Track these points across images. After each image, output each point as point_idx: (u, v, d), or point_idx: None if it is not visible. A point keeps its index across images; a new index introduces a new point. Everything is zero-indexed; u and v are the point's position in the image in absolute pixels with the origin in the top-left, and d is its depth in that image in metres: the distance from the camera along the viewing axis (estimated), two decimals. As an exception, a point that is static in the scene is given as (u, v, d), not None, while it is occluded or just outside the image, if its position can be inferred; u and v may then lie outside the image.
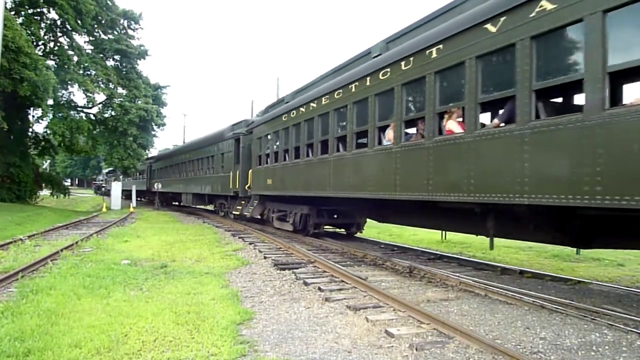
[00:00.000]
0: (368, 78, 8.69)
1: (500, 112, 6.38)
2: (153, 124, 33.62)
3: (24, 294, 6.19)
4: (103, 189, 62.13)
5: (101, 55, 31.14)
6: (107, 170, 61.41)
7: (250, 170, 16.47)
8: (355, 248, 11.07)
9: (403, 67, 7.65)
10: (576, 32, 4.82)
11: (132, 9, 32.55)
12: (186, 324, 5.10)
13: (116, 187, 32.81)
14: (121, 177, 44.14)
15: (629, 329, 4.96)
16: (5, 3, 19.44)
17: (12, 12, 23.78)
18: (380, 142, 8.43)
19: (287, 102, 13.65)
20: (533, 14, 5.24)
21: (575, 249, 11.50)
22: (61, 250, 10.03)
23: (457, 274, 7.70)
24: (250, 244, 12.24)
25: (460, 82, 6.35)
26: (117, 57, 32.25)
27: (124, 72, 32.50)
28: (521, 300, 6.12)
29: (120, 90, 32.05)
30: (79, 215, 24.72)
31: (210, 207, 26.37)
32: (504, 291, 6.50)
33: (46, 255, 9.26)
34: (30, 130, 31.47)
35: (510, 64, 5.52)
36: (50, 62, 27.73)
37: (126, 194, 39.24)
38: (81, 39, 30.48)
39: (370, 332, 4.97)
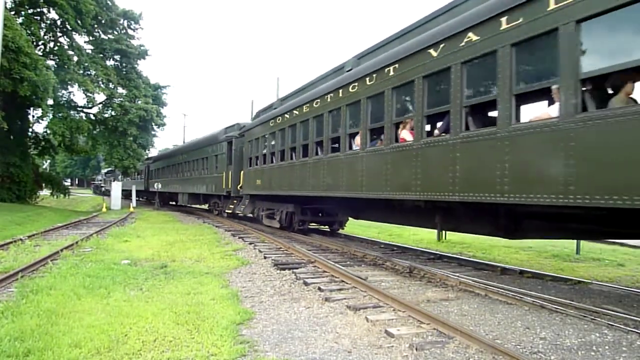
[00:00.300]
0: (340, 90, 9.84)
1: (439, 124, 7.75)
2: (153, 124, 33.56)
3: (24, 294, 6.19)
4: (102, 188, 64.83)
5: (101, 55, 31.09)
6: (105, 171, 64.37)
7: (242, 171, 17.62)
8: (356, 248, 11.08)
9: (368, 82, 8.79)
10: (492, 60, 5.81)
11: (132, 9, 32.50)
12: (186, 324, 5.10)
13: (116, 187, 32.81)
14: (119, 177, 45.01)
15: (629, 329, 4.97)
16: (5, 3, 19.42)
17: (12, 12, 23.77)
18: (350, 147, 9.53)
19: (275, 108, 14.75)
20: (462, 43, 6.31)
21: (575, 249, 11.55)
22: (61, 250, 10.03)
23: (457, 274, 7.70)
24: (250, 243, 12.24)
25: (411, 97, 7.46)
26: (117, 57, 32.20)
27: (124, 72, 32.45)
28: (521, 300, 6.12)
29: (120, 90, 32.00)
30: (79, 215, 24.72)
31: (205, 207, 27.40)
32: (504, 291, 6.50)
33: (46, 255, 9.26)
34: (30, 130, 31.47)
35: (447, 84, 6.58)
36: (50, 62, 27.70)
37: (125, 194, 39.89)
38: (81, 39, 30.48)
39: (370, 332, 4.97)
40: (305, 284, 7.39)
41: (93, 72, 29.82)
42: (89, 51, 30.53)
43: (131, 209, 28.50)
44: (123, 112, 30.29)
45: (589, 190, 4.69)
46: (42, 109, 26.36)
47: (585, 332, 4.92)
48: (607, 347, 4.48)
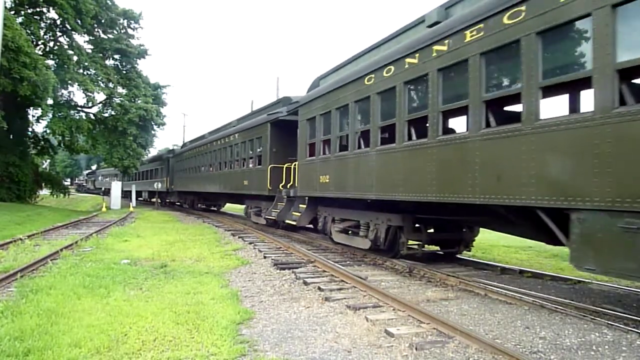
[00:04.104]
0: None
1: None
2: (153, 123, 33.60)
3: (24, 293, 6.19)
4: (83, 187, 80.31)
5: (101, 54, 31.05)
6: (87, 172, 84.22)
7: (174, 177, 30.15)
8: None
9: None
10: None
11: (131, 8, 32.46)
12: (186, 324, 5.10)
13: (116, 187, 32.74)
14: (99, 177, 51.32)
15: (629, 328, 4.97)
16: (5, 3, 19.41)
17: (12, 12, 23.75)
18: (214, 170, 20.74)
19: (187, 145, 27.52)
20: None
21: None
22: (61, 249, 10.01)
23: (457, 274, 7.70)
24: (250, 243, 12.24)
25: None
26: (117, 56, 32.19)
27: (123, 72, 32.43)
28: (521, 300, 6.12)
29: (120, 89, 31.98)
30: (78, 214, 24.71)
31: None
32: (503, 291, 6.51)
33: (46, 254, 9.25)
34: (30, 129, 31.45)
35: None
36: (50, 62, 27.67)
37: (104, 193, 49.60)
38: (81, 39, 30.47)
39: (370, 332, 4.97)
40: (305, 283, 7.39)
41: (93, 72, 29.81)
42: (89, 51, 30.50)
43: (131, 209, 28.50)
44: (123, 112, 30.27)
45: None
46: (42, 109, 26.36)
47: (585, 332, 4.92)
48: (606, 347, 4.48)
